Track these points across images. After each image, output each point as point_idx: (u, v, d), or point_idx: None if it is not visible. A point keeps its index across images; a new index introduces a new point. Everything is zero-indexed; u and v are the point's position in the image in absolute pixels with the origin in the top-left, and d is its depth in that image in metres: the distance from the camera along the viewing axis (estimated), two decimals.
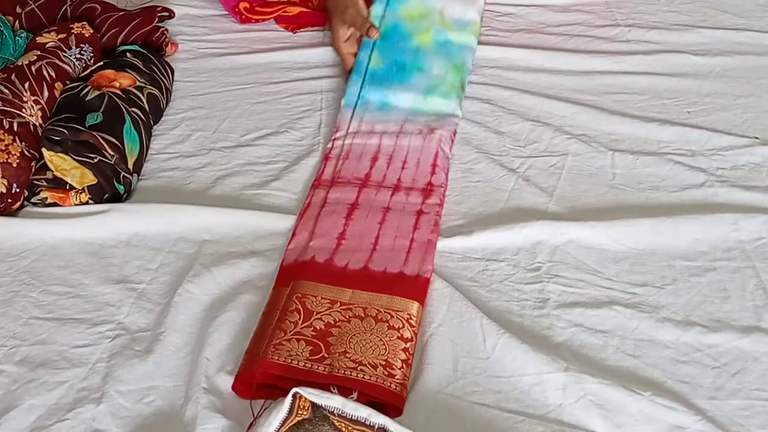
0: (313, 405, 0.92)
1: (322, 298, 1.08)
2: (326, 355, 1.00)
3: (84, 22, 1.52)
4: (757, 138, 1.38)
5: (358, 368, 0.99)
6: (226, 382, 1.00)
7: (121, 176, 1.28)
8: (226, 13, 1.75)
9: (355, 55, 1.51)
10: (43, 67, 1.36)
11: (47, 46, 1.42)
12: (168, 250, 1.19)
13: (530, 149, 1.38)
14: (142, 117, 1.37)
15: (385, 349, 1.01)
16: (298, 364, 0.99)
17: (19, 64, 1.36)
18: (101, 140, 1.26)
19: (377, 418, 0.90)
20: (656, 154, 1.35)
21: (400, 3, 1.56)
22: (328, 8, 1.59)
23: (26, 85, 1.32)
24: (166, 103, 1.50)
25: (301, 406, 0.91)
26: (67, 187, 1.26)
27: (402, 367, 1.00)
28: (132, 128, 1.32)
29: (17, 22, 1.56)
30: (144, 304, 1.11)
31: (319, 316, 1.05)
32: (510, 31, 1.70)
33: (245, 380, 0.99)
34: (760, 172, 1.31)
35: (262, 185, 1.32)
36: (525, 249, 1.18)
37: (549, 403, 0.97)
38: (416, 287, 1.11)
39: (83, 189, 1.26)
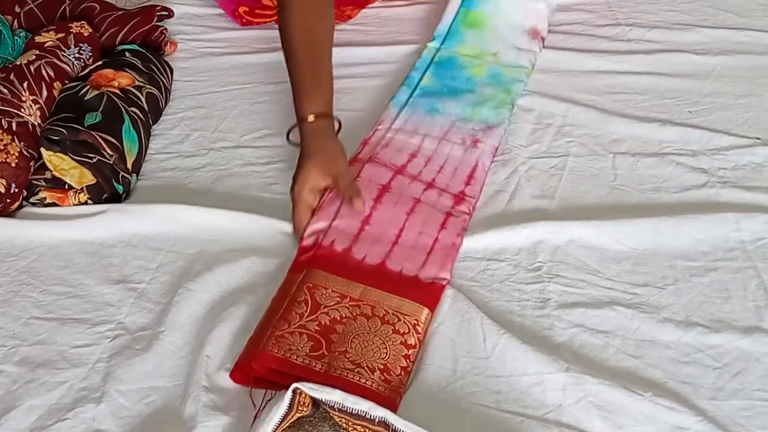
0: (314, 403, 0.92)
1: (332, 291, 1.07)
2: (326, 353, 0.99)
3: (83, 22, 1.52)
4: (758, 138, 1.38)
5: (356, 370, 0.98)
6: (226, 380, 0.99)
7: (120, 176, 1.27)
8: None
9: (313, 210, 1.21)
10: (41, 66, 1.36)
11: (46, 45, 1.42)
12: (168, 250, 1.19)
13: (531, 150, 1.37)
14: (141, 117, 1.37)
15: (386, 353, 1.00)
16: (296, 360, 0.98)
17: (18, 63, 1.36)
18: (100, 140, 1.26)
19: (377, 411, 0.90)
20: (658, 154, 1.35)
21: (456, 41, 1.59)
22: (304, 148, 1.25)
23: (25, 84, 1.31)
24: (165, 103, 1.49)
25: (301, 402, 0.91)
26: (66, 187, 1.26)
27: (400, 374, 0.99)
28: (131, 128, 1.32)
29: (16, 21, 1.56)
30: (144, 303, 1.11)
31: (326, 310, 1.04)
32: None
33: (244, 370, 0.99)
34: (762, 172, 1.31)
35: (262, 185, 1.32)
36: (526, 249, 1.18)
37: (549, 404, 0.97)
38: (429, 293, 1.10)
39: (82, 189, 1.25)
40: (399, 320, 1.04)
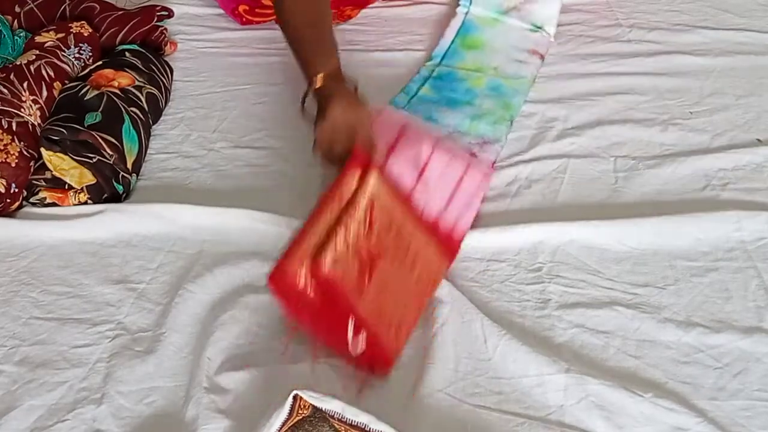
0: (314, 405, 0.92)
1: (386, 212, 1.05)
2: (364, 295, 0.98)
3: (83, 22, 1.52)
4: (759, 139, 1.38)
5: (380, 319, 0.98)
6: (227, 381, 0.99)
7: (120, 176, 1.27)
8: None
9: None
10: (41, 66, 1.36)
11: (46, 45, 1.42)
12: (168, 250, 1.19)
13: (532, 153, 1.37)
14: (141, 116, 1.36)
15: (407, 306, 1.00)
16: (343, 284, 0.97)
17: (18, 63, 1.36)
18: (100, 140, 1.26)
19: (377, 425, 0.90)
20: (659, 156, 1.35)
21: (455, 59, 1.58)
22: (319, 105, 1.21)
23: (25, 84, 1.31)
24: (165, 103, 1.49)
25: (302, 406, 0.91)
26: (66, 187, 1.26)
27: (405, 334, 1.01)
28: (131, 128, 1.32)
29: (16, 21, 1.56)
30: (144, 304, 1.11)
31: (378, 235, 1.02)
32: None
33: (287, 270, 0.97)
34: (762, 173, 1.31)
35: (262, 186, 1.32)
36: (526, 249, 1.18)
37: (550, 405, 0.97)
38: (451, 244, 1.10)
39: (82, 189, 1.25)
40: (424, 271, 1.04)
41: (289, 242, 1.00)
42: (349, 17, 1.75)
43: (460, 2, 1.69)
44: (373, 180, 1.06)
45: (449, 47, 1.61)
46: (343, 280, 0.97)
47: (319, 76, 1.22)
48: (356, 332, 0.96)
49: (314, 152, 1.20)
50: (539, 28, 1.65)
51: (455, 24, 1.66)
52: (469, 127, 1.40)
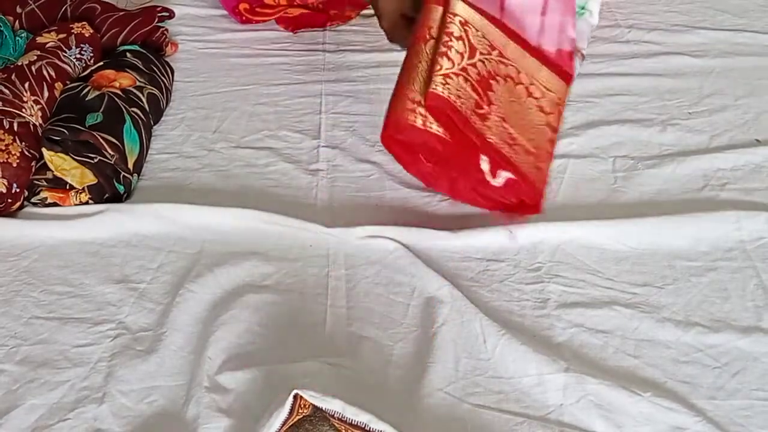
0: (314, 404, 0.92)
1: (483, 36, 0.96)
2: (488, 115, 0.91)
3: (84, 22, 1.52)
4: (758, 140, 1.38)
5: (513, 147, 0.91)
6: (228, 381, 0.99)
7: (121, 176, 1.28)
8: (227, 13, 1.75)
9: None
10: (43, 67, 1.36)
11: (47, 46, 1.42)
12: (168, 250, 1.19)
13: None
14: (142, 117, 1.37)
15: (536, 133, 0.92)
16: (462, 109, 0.90)
17: (19, 64, 1.36)
18: (101, 140, 1.26)
19: (377, 425, 0.90)
20: (658, 157, 1.35)
21: None
22: None
23: (26, 85, 1.32)
24: (166, 103, 1.50)
25: (302, 405, 0.91)
26: (67, 187, 1.26)
27: (545, 162, 0.94)
28: (132, 128, 1.32)
29: (17, 22, 1.56)
30: (145, 303, 1.11)
31: (482, 57, 0.94)
32: None
33: (396, 116, 0.90)
34: (761, 173, 1.31)
35: (262, 186, 1.32)
36: (525, 249, 1.18)
37: (550, 404, 0.97)
38: (563, 64, 1.01)
39: (83, 189, 1.26)
40: (543, 96, 0.96)
41: (392, 94, 0.93)
42: (349, 18, 1.75)
43: None
44: (459, 5, 0.97)
45: None
46: (461, 105, 0.89)
47: None
48: (493, 168, 0.89)
49: (383, 27, 1.21)
50: (583, 9, 1.55)
51: None
52: None
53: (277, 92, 1.54)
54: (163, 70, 1.51)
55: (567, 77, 0.99)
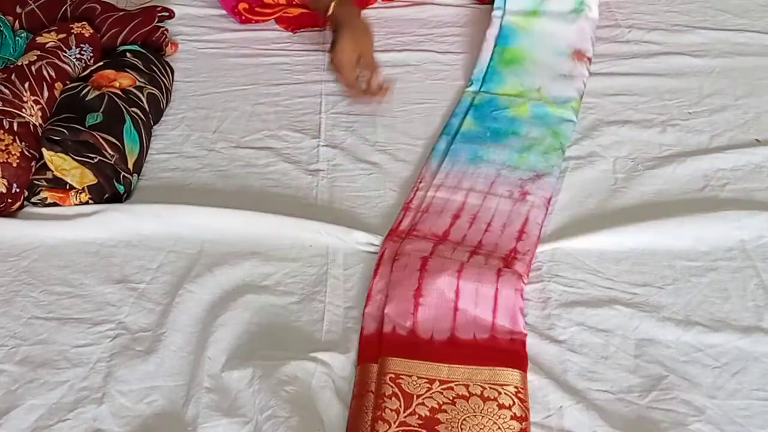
0: None
1: (417, 377, 0.98)
2: None
3: (84, 22, 1.52)
4: (758, 140, 1.38)
5: None
6: (228, 381, 0.99)
7: (121, 176, 1.28)
8: (226, 13, 1.75)
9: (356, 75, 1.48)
10: (43, 67, 1.36)
11: (47, 46, 1.42)
12: (168, 250, 1.19)
13: None
14: (142, 117, 1.37)
15: None
16: None
17: (19, 64, 1.36)
18: (101, 140, 1.26)
19: None
20: (657, 157, 1.35)
21: (495, 83, 1.50)
22: (335, 29, 1.50)
23: (26, 85, 1.32)
24: (166, 103, 1.50)
25: None
26: (67, 187, 1.26)
27: None
28: (132, 128, 1.32)
29: (17, 21, 1.56)
30: (144, 303, 1.11)
31: (420, 400, 0.96)
32: None
33: None
34: (761, 173, 1.31)
35: (262, 186, 1.32)
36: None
37: (551, 407, 0.97)
38: (514, 353, 1.02)
39: (83, 189, 1.26)
40: (500, 393, 0.96)
41: None
42: None
43: (494, 6, 1.60)
44: (391, 360, 1.01)
45: (488, 68, 1.53)
46: None
47: (332, 4, 1.50)
48: None
49: (331, 64, 1.49)
50: (581, 4, 1.58)
51: (491, 35, 1.57)
52: (518, 160, 1.32)
53: (277, 92, 1.54)
54: (163, 70, 1.51)
55: (522, 366, 1.00)
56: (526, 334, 1.05)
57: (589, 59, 1.55)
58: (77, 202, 1.26)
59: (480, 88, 1.50)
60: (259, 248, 1.19)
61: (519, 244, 1.17)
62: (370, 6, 1.77)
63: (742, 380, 1.00)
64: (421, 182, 1.30)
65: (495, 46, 1.56)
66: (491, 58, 1.55)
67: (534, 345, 1.04)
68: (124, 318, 1.09)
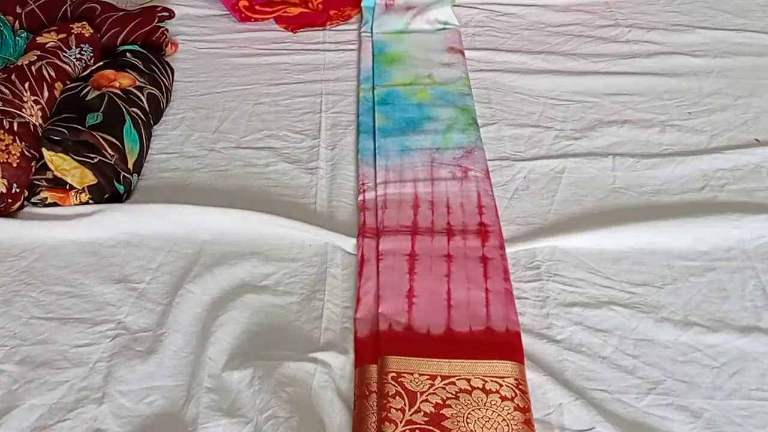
0: None
1: (419, 374, 1.00)
2: None
3: (84, 22, 1.52)
4: (757, 140, 1.38)
5: None
6: (229, 381, 0.99)
7: (121, 176, 1.28)
8: (227, 13, 1.75)
9: None
10: (43, 67, 1.36)
11: (47, 46, 1.43)
12: (168, 250, 1.20)
13: (531, 153, 1.38)
14: (142, 117, 1.37)
15: (508, 426, 0.94)
16: None
17: (19, 64, 1.36)
18: (101, 140, 1.26)
19: None
20: (657, 156, 1.35)
21: (386, 77, 1.56)
22: None
23: (26, 85, 1.32)
24: (166, 103, 1.50)
25: None
26: (67, 187, 1.26)
27: None
28: (132, 128, 1.32)
29: (17, 21, 1.56)
30: (144, 303, 1.11)
31: (424, 397, 0.97)
32: (510, 32, 1.71)
33: None
34: (760, 173, 1.31)
35: (262, 186, 1.32)
36: (525, 248, 1.18)
37: (550, 405, 0.97)
38: (511, 345, 1.04)
39: (83, 189, 1.26)
40: (501, 386, 0.98)
41: None
42: (349, 17, 1.76)
43: (361, 29, 1.70)
44: (390, 359, 1.02)
45: (372, 69, 1.58)
46: None
47: None
48: None
49: None
50: (445, 23, 1.69)
51: (366, 47, 1.65)
52: (443, 141, 1.38)
53: (277, 92, 1.55)
54: (163, 70, 1.51)
55: (519, 358, 1.02)
56: (519, 324, 1.06)
57: (462, 51, 1.63)
58: (77, 202, 1.26)
59: (373, 83, 1.55)
60: (258, 248, 1.19)
61: (483, 217, 1.23)
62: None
63: (740, 380, 1.00)
64: (363, 184, 1.31)
65: (373, 54, 1.63)
66: (373, 61, 1.61)
67: (532, 344, 1.04)
68: (124, 318, 1.09)
